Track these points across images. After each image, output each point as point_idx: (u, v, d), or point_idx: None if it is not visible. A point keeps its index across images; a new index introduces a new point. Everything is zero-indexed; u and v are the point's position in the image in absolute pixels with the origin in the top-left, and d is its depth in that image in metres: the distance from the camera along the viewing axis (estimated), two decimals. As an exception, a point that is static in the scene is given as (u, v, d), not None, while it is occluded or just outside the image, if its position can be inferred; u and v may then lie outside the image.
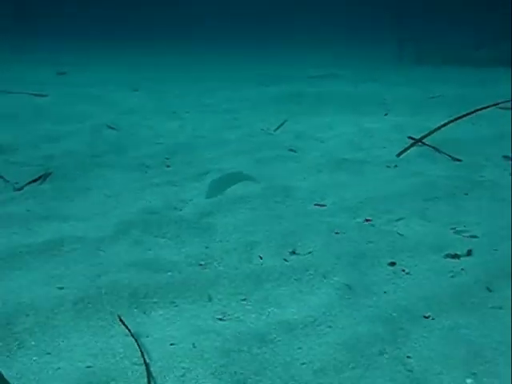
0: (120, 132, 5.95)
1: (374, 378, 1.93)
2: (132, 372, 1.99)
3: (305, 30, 16.70)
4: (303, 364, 2.02)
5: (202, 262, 2.90)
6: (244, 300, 2.53)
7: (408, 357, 2.09)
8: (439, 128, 5.17)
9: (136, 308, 2.44)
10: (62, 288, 2.54)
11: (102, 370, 2.00)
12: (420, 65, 11.66)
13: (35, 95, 7.83)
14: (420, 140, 5.11)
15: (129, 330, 2.23)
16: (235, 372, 1.96)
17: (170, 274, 2.69)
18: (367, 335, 2.15)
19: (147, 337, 2.23)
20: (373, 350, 2.08)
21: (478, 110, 5.41)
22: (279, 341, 2.17)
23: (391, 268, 2.88)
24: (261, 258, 2.94)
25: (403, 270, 2.84)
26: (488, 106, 5.54)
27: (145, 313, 2.42)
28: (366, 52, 13.38)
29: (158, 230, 3.27)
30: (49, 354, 2.13)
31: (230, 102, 7.77)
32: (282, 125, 6.24)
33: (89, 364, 2.05)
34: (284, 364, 2.02)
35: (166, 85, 9.22)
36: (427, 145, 5.07)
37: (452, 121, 5.28)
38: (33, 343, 2.18)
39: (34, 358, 2.10)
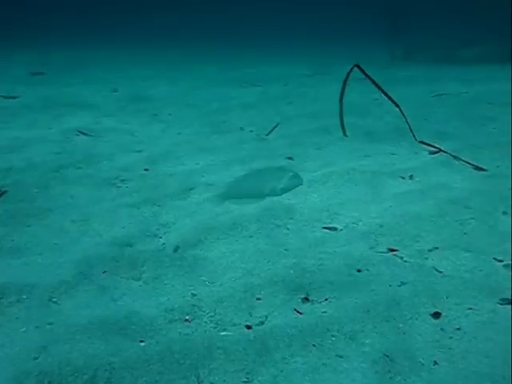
0: (93, 139, 5.22)
1: None
2: None
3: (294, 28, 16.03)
4: None
5: (188, 317, 2.20)
6: (247, 383, 1.84)
7: None
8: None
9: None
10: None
11: None
12: (410, 62, 11.02)
13: (4, 97, 7.10)
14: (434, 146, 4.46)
15: None
16: None
17: (142, 344, 1.97)
18: None
19: None
20: None
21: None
22: None
23: (436, 321, 2.19)
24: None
25: (453, 325, 2.16)
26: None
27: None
28: (357, 52, 12.72)
29: (131, 270, 2.56)
30: None
31: (218, 102, 7.07)
32: (274, 128, 5.54)
33: None
34: None
35: (147, 83, 8.51)
36: (444, 151, 4.41)
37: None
38: None
39: None
